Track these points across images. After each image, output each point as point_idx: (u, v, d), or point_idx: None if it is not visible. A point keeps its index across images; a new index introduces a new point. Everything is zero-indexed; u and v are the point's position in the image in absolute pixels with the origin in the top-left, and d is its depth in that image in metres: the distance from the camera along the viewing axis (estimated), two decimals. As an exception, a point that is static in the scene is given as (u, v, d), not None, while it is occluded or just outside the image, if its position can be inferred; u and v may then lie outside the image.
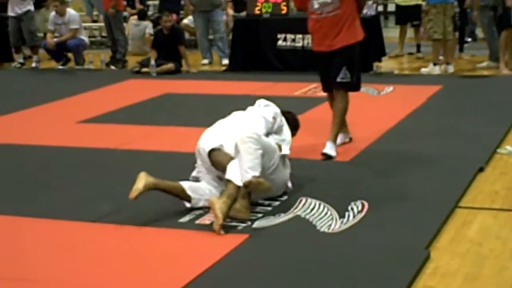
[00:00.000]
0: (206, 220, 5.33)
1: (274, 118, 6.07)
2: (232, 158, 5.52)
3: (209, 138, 5.82)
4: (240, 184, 5.30)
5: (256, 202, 5.56)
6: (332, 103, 7.23)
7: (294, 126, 6.44)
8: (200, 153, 5.79)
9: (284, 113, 6.37)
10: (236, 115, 6.17)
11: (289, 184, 5.91)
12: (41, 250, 4.93)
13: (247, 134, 5.49)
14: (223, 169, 5.50)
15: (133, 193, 5.35)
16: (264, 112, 6.10)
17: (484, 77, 11.32)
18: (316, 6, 6.93)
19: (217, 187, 5.65)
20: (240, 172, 5.35)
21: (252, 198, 5.43)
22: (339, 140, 7.17)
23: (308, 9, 7.04)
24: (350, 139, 7.32)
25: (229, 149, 5.65)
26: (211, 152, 5.67)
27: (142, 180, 5.41)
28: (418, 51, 13.75)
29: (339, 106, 7.04)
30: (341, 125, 7.08)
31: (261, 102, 6.25)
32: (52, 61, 14.36)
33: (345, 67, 6.94)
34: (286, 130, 6.11)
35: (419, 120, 8.36)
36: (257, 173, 5.32)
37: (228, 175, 5.39)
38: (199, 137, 6.01)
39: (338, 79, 6.97)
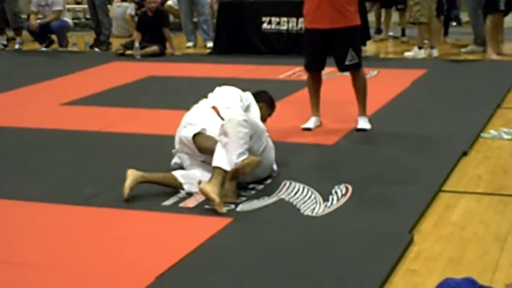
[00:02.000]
0: (189, 203, 5.31)
1: (241, 97, 6.09)
2: (216, 142, 5.49)
3: (188, 125, 5.81)
4: (228, 168, 5.29)
5: (241, 185, 5.55)
6: (313, 83, 7.28)
7: (271, 105, 6.46)
8: (183, 142, 5.76)
9: (259, 93, 6.38)
10: (206, 100, 6.15)
11: (275, 167, 5.90)
12: (24, 233, 4.91)
13: (237, 117, 5.47)
14: (211, 153, 5.47)
15: (125, 191, 5.34)
16: (231, 92, 6.13)
17: (469, 61, 11.33)
18: None
19: (205, 170, 5.63)
20: (227, 157, 5.33)
21: (239, 179, 5.42)
22: (313, 124, 7.21)
23: None
24: (321, 123, 7.34)
25: (211, 132, 5.64)
26: (195, 137, 5.65)
27: (129, 177, 5.40)
28: (403, 35, 13.75)
29: (360, 84, 7.20)
30: (366, 99, 7.21)
31: (221, 88, 6.26)
32: (35, 43, 14.30)
33: (351, 49, 6.99)
34: (254, 109, 6.12)
35: (403, 104, 8.36)
36: (245, 157, 5.33)
37: (215, 162, 5.36)
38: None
39: (347, 62, 7.05)
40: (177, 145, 5.93)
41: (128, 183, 5.38)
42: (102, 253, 4.56)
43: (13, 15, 14.19)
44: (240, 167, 5.30)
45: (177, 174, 5.63)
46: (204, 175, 5.53)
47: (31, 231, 4.95)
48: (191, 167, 5.75)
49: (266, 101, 6.44)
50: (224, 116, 5.82)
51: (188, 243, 4.60)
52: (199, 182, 5.28)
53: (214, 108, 5.99)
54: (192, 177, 5.57)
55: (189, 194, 5.45)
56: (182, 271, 4.27)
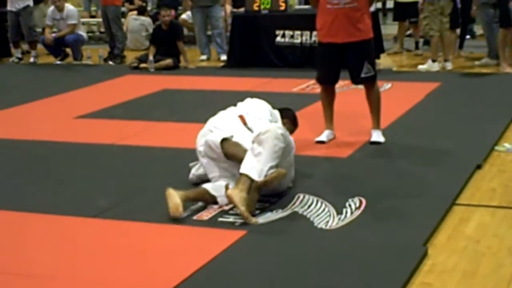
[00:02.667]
0: (203, 216, 5.32)
1: (270, 112, 6.14)
2: (245, 150, 5.51)
3: (214, 129, 5.83)
4: (257, 178, 5.30)
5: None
6: (326, 96, 7.30)
7: (294, 123, 6.50)
8: (209, 145, 5.73)
9: (284, 110, 6.41)
10: (235, 108, 6.19)
11: (290, 184, 5.91)
12: (40, 245, 4.93)
13: (276, 129, 5.49)
14: (239, 160, 5.48)
15: (178, 208, 5.25)
16: (261, 105, 6.17)
17: (483, 74, 11.31)
18: None
19: (230, 178, 5.65)
20: (258, 166, 5.33)
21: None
22: (326, 137, 7.23)
23: None
24: (334, 136, 7.35)
25: (238, 139, 5.67)
26: (222, 142, 5.65)
27: (176, 195, 5.32)
28: (417, 48, 13.74)
29: (374, 97, 7.21)
30: (380, 112, 7.22)
31: (252, 99, 6.29)
32: (50, 56, 14.36)
33: (367, 62, 7.02)
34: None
35: (417, 117, 8.36)
36: (275, 164, 5.38)
37: (244, 169, 5.36)
38: (196, 133, 6.02)
39: (363, 75, 7.07)
40: (200, 147, 5.90)
41: (179, 202, 5.26)
42: (116, 266, 4.57)
43: (28, 28, 14.25)
44: (269, 180, 5.32)
45: (208, 187, 5.62)
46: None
47: (46, 243, 4.96)
48: (217, 179, 5.75)
49: (290, 118, 6.46)
50: (251, 126, 5.86)
51: (202, 256, 4.60)
52: (226, 187, 5.31)
53: (240, 117, 6.02)
54: (221, 189, 5.54)
55: (203, 207, 5.46)
56: (196, 284, 4.28)
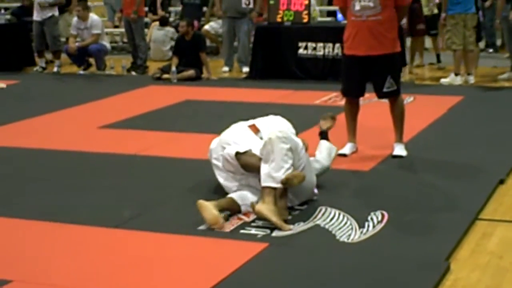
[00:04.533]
0: (225, 228, 5.33)
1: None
2: (261, 159, 5.56)
3: (232, 143, 5.85)
4: (277, 186, 5.36)
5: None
6: (350, 109, 7.31)
7: None
8: (226, 159, 5.80)
9: None
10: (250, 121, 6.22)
11: (315, 190, 5.91)
12: (63, 255, 4.95)
13: (276, 134, 5.53)
14: (257, 170, 5.54)
15: (218, 220, 5.30)
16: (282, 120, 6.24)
17: (506, 88, 11.27)
18: (357, 8, 6.91)
19: (248, 189, 5.73)
20: (275, 174, 5.39)
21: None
22: (349, 150, 7.22)
23: (349, 10, 7.01)
24: (356, 149, 7.35)
25: (255, 151, 5.73)
26: (237, 155, 5.71)
27: (211, 207, 5.37)
28: (438, 61, 13.69)
29: (398, 111, 7.22)
30: (403, 126, 7.22)
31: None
32: (73, 66, 14.44)
33: (390, 76, 7.01)
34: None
35: (439, 131, 8.33)
36: (289, 165, 5.43)
37: (264, 182, 5.42)
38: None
39: (385, 89, 7.07)
40: (214, 160, 5.97)
41: (216, 213, 5.32)
42: (137, 276, 4.58)
43: (53, 38, 14.35)
44: (289, 177, 5.35)
45: (234, 196, 5.67)
46: (254, 197, 5.61)
47: (68, 252, 4.99)
48: (240, 187, 5.80)
49: None
50: (263, 132, 5.90)
51: (223, 268, 4.61)
52: (252, 205, 5.37)
53: (252, 126, 6.05)
54: (246, 198, 5.63)
55: (226, 219, 5.46)
56: (217, 296, 4.28)
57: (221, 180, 5.96)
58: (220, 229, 5.28)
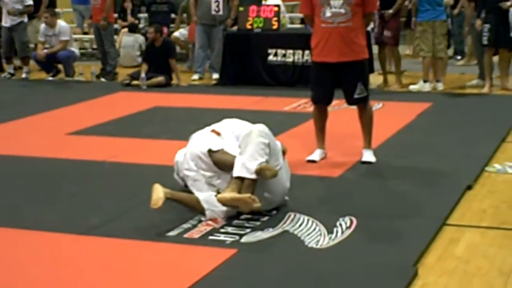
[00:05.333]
0: (194, 234, 5.32)
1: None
2: (234, 156, 5.60)
3: (201, 141, 5.89)
4: (248, 176, 5.42)
5: (246, 216, 5.59)
6: (319, 115, 7.32)
7: None
8: (199, 157, 5.78)
9: None
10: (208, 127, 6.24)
11: (286, 197, 5.92)
12: (29, 262, 4.91)
13: (258, 128, 5.63)
14: (229, 166, 5.58)
15: (158, 201, 5.44)
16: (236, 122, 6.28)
17: (474, 95, 11.36)
18: (328, 14, 6.93)
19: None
20: (248, 165, 5.45)
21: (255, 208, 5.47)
22: (318, 156, 7.24)
23: (317, 17, 7.03)
24: (326, 155, 7.37)
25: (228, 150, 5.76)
26: (210, 152, 5.74)
27: (161, 190, 5.49)
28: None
29: (366, 117, 7.25)
30: (372, 132, 7.25)
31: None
32: (42, 72, 14.36)
33: (360, 83, 7.03)
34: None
35: (408, 137, 8.38)
36: (264, 160, 5.47)
37: (234, 173, 5.48)
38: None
39: (356, 96, 7.09)
40: (185, 171, 5.93)
41: (161, 195, 5.45)
42: (106, 284, 4.57)
43: (22, 44, 14.26)
44: (263, 168, 5.41)
45: (201, 197, 5.68)
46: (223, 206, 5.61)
47: (36, 260, 4.95)
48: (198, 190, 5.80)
49: None
50: (226, 137, 5.95)
51: (192, 274, 4.60)
52: (218, 192, 5.44)
53: (213, 131, 6.05)
54: (214, 204, 5.60)
55: (194, 225, 5.46)
56: (186, 302, 4.27)
57: (195, 191, 5.93)
58: (157, 209, 5.42)
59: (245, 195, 5.33)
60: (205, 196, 5.68)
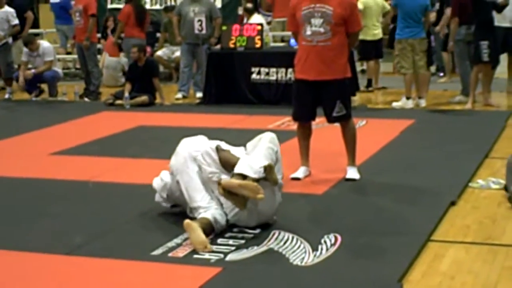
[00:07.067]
0: (179, 253, 5.31)
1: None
2: (238, 158, 5.69)
3: (208, 141, 6.00)
4: (251, 175, 5.46)
5: (230, 235, 5.59)
6: (302, 133, 7.35)
7: None
8: (208, 153, 5.78)
9: None
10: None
11: (275, 217, 5.92)
12: (13, 283, 4.88)
13: (270, 134, 5.79)
14: (232, 165, 5.61)
15: (207, 247, 5.32)
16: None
17: (456, 111, 11.41)
18: (308, 32, 6.98)
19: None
20: (252, 164, 5.52)
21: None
22: (302, 174, 7.26)
23: (300, 34, 7.07)
24: (310, 173, 7.38)
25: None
26: (218, 148, 5.79)
27: (198, 229, 5.40)
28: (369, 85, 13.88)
29: (349, 135, 7.27)
30: (355, 149, 7.27)
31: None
32: (25, 93, 14.29)
33: (339, 101, 7.05)
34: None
35: (391, 154, 8.40)
36: (270, 163, 5.56)
37: (236, 169, 5.54)
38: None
39: (334, 114, 7.12)
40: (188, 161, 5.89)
41: (204, 239, 5.35)
42: (90, 303, 4.55)
43: (6, 65, 14.25)
44: (272, 166, 5.52)
45: (210, 217, 5.62)
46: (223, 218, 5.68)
47: (19, 280, 4.92)
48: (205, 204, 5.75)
49: None
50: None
51: (177, 293, 4.59)
52: (218, 183, 5.49)
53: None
54: (217, 221, 5.64)
55: (178, 244, 5.44)
56: (171, 321, 4.25)
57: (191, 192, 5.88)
58: (207, 251, 5.28)
59: (251, 182, 5.39)
60: (210, 215, 5.63)
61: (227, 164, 5.72)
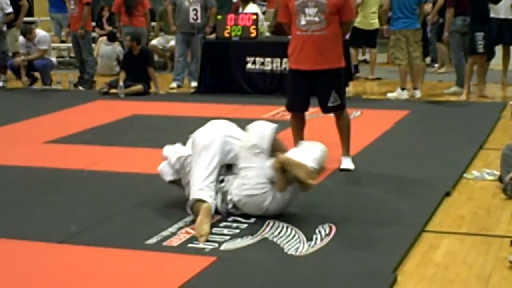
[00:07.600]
0: (173, 242, 5.30)
1: None
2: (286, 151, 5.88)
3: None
4: (312, 164, 5.66)
5: (224, 224, 5.58)
6: (296, 123, 7.35)
7: None
8: (261, 136, 5.85)
9: None
10: None
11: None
12: (7, 271, 4.87)
13: (324, 146, 6.12)
14: (282, 151, 5.74)
15: (207, 238, 5.33)
16: None
17: (452, 102, 11.41)
18: (303, 22, 6.95)
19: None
20: (310, 157, 5.76)
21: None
22: None
23: (294, 24, 7.04)
24: None
25: None
26: (275, 132, 5.89)
27: (210, 221, 5.47)
28: (357, 71, 13.92)
29: (344, 125, 7.30)
30: (349, 140, 7.31)
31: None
32: (19, 81, 14.25)
33: (334, 91, 7.05)
34: None
35: (386, 145, 8.40)
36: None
37: (298, 156, 5.70)
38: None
39: (330, 104, 7.12)
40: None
41: (208, 230, 5.40)
42: (85, 292, 4.54)
43: (1, 53, 14.20)
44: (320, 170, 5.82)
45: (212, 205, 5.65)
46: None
47: (13, 269, 4.91)
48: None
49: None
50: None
51: (171, 282, 4.59)
52: (277, 156, 5.61)
53: None
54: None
55: (173, 233, 5.44)
56: (165, 310, 4.25)
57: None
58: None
59: (310, 166, 5.56)
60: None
61: (277, 147, 5.80)
